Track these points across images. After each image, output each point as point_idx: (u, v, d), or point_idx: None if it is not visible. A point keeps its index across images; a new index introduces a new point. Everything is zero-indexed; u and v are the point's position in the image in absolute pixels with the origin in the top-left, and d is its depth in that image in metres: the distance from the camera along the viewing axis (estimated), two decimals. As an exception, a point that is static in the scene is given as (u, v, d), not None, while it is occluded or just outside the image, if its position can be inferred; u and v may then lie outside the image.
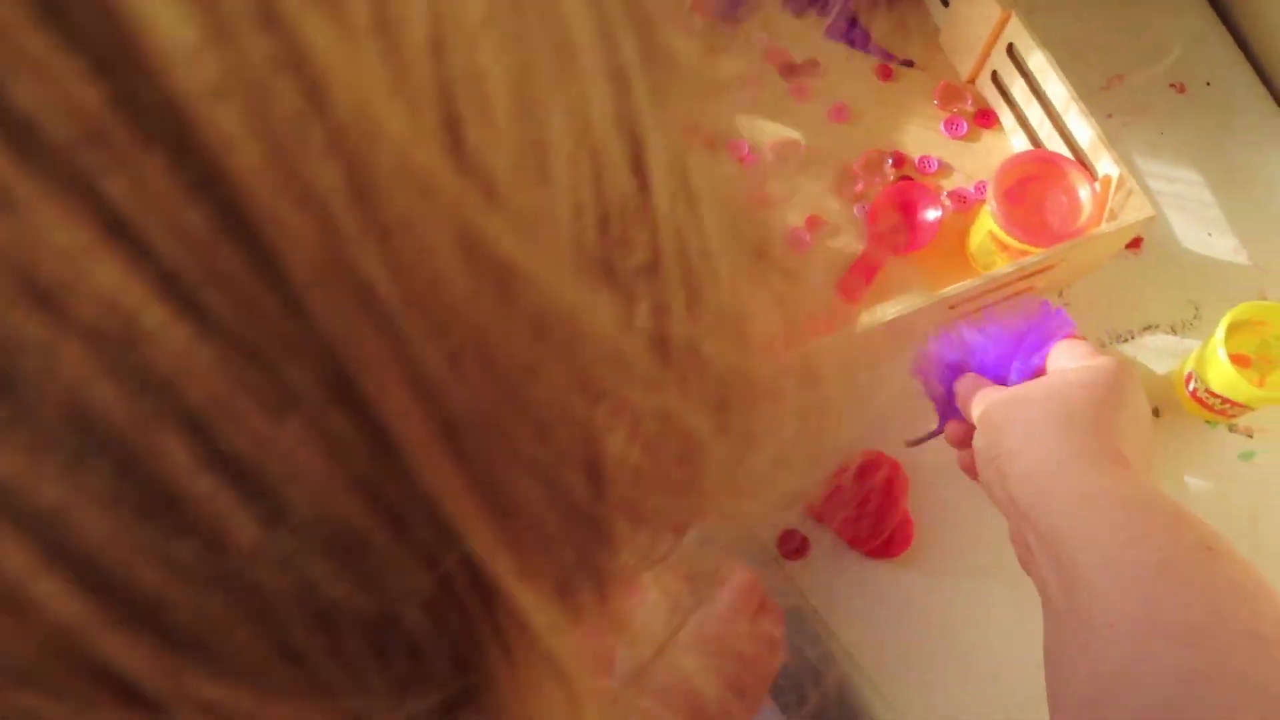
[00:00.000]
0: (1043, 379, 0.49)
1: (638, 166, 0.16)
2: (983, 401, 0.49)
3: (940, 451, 0.58)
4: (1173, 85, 0.75)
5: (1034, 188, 0.64)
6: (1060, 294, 0.69)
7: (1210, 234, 0.70)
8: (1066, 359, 0.49)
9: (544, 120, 0.15)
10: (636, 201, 0.16)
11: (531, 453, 0.15)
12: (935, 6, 0.75)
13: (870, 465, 0.63)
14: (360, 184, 0.13)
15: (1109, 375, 0.45)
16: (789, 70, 0.74)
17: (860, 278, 0.68)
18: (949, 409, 0.55)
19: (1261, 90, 0.75)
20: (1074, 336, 0.51)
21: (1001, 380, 0.52)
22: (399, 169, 0.13)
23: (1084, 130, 0.65)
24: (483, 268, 0.14)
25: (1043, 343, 0.51)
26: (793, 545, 0.62)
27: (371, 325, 0.13)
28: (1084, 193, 0.64)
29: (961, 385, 0.52)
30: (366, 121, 0.12)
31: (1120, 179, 0.63)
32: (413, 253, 0.13)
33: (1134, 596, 0.36)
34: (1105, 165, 0.64)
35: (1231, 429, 0.66)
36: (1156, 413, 0.66)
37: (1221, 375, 0.61)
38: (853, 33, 0.75)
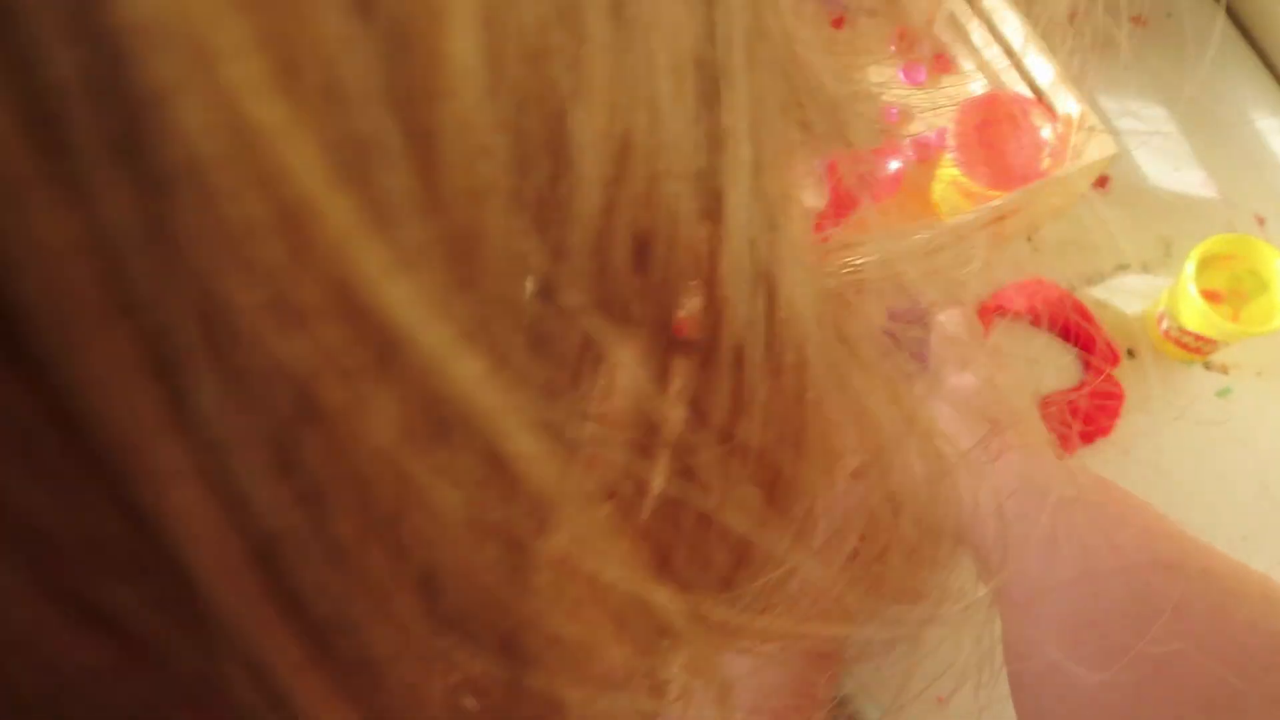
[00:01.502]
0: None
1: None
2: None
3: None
4: (1133, 19, 0.73)
5: (995, 131, 0.62)
6: (1029, 238, 0.67)
7: (1177, 169, 0.69)
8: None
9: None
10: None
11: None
12: (886, -51, 0.72)
13: None
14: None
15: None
16: (739, 23, 0.71)
17: (823, 233, 0.66)
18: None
19: (1223, 19, 0.73)
20: None
21: None
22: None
23: (1044, 69, 0.63)
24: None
25: None
26: None
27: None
28: (1045, 133, 0.62)
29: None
30: None
31: (1081, 116, 0.61)
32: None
33: (1024, 568, 0.38)
34: (1066, 104, 0.62)
35: (1207, 366, 0.64)
36: (1130, 354, 0.64)
37: (1194, 312, 0.60)
38: (803, -19, 0.72)
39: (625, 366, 0.14)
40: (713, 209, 0.14)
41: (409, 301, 0.10)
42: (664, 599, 0.14)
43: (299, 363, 0.10)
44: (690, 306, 0.14)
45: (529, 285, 0.13)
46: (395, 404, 0.11)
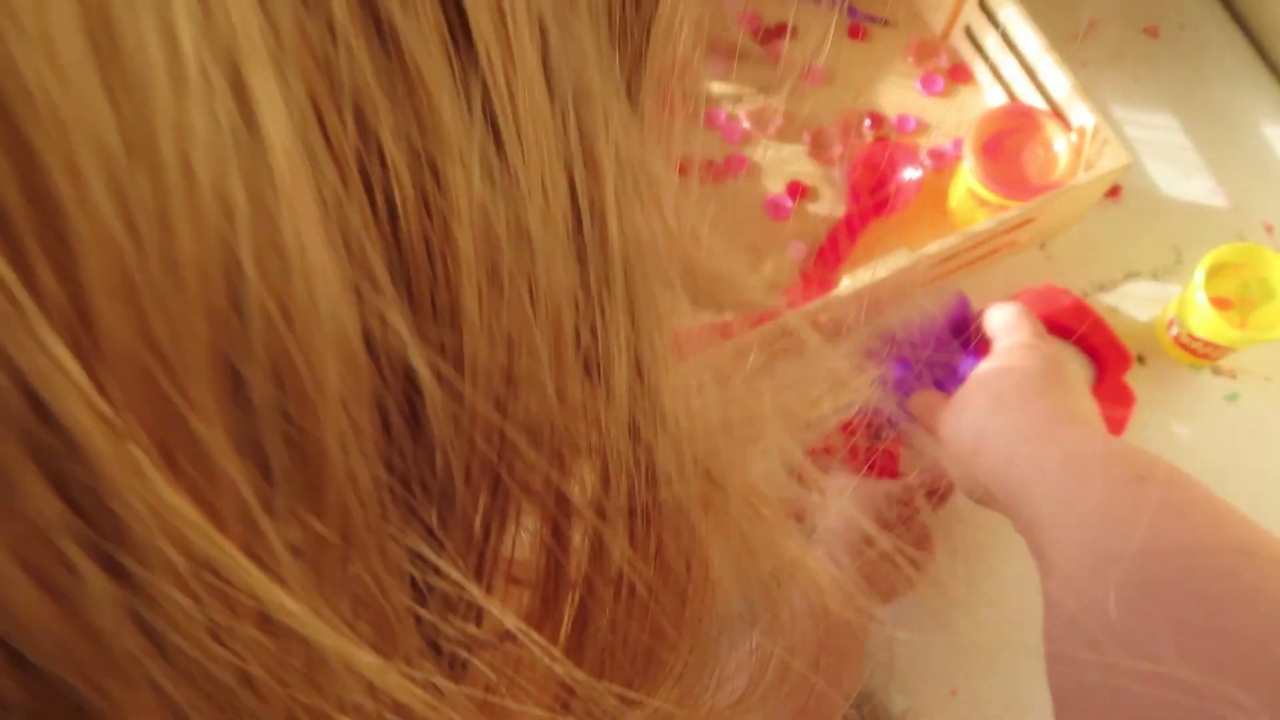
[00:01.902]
0: (987, 368, 0.52)
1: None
2: (942, 407, 0.53)
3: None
4: (1146, 30, 0.75)
5: (1010, 141, 0.64)
6: (1043, 246, 0.69)
7: (1189, 178, 0.71)
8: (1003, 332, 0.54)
9: None
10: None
11: None
12: (905, -38, 0.74)
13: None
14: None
15: (1044, 358, 0.51)
16: (762, 35, 0.73)
17: (843, 241, 0.68)
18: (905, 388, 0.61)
19: (1235, 30, 0.75)
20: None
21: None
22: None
23: (1059, 81, 0.64)
24: None
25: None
26: None
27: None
28: (1060, 144, 0.64)
29: (916, 401, 0.56)
30: None
31: (1096, 128, 0.63)
32: None
33: (1081, 539, 0.37)
34: (1080, 115, 0.64)
35: (1215, 372, 0.66)
36: (1141, 360, 0.66)
37: (1202, 319, 0.61)
38: (823, -7, 0.74)
39: (530, 531, 0.16)
40: (596, 386, 0.15)
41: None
42: None
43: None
44: (581, 473, 0.15)
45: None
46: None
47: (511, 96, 0.13)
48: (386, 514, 0.14)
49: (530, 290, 0.14)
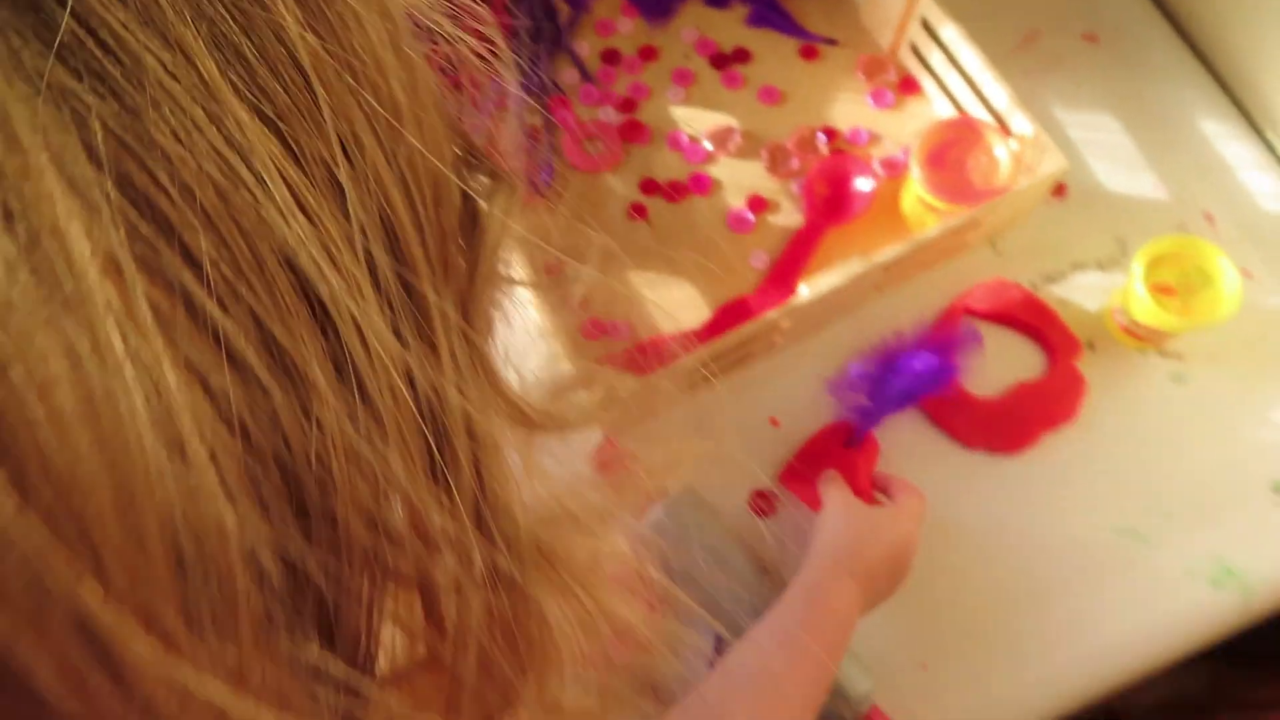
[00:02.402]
0: (851, 518, 0.59)
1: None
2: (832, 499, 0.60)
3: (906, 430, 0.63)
4: (1085, 36, 0.79)
5: (954, 151, 0.68)
6: (993, 244, 0.73)
7: (1131, 174, 0.75)
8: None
9: None
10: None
11: None
12: (852, -16, 0.78)
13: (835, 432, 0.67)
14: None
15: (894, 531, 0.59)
16: (718, 60, 0.78)
17: (802, 250, 0.72)
18: (866, 420, 0.64)
19: (1169, 31, 0.79)
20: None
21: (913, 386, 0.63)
22: None
23: (998, 93, 0.69)
24: None
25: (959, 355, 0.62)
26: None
27: None
28: (1001, 152, 0.68)
29: (825, 479, 0.63)
30: None
31: (1034, 136, 0.67)
32: None
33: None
34: (1020, 124, 0.68)
35: (1161, 355, 0.70)
36: (1090, 346, 0.70)
37: (1143, 307, 0.65)
38: (775, 18, 0.79)
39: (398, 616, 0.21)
40: (456, 508, 0.20)
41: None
42: None
43: None
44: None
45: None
46: None
47: (364, 344, 0.18)
48: (289, 636, 0.18)
49: (391, 464, 0.18)
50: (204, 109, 0.16)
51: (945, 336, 0.67)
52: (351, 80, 0.18)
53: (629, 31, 0.79)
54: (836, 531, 0.58)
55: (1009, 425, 0.68)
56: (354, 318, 0.17)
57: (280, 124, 0.17)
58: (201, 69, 0.16)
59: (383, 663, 0.21)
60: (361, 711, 0.19)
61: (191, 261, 0.15)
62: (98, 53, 0.15)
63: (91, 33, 0.15)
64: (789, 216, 0.73)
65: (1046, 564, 0.65)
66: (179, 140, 0.15)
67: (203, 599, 0.16)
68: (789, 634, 0.51)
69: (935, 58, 0.73)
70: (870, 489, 0.65)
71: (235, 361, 0.16)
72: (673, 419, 0.69)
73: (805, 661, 0.51)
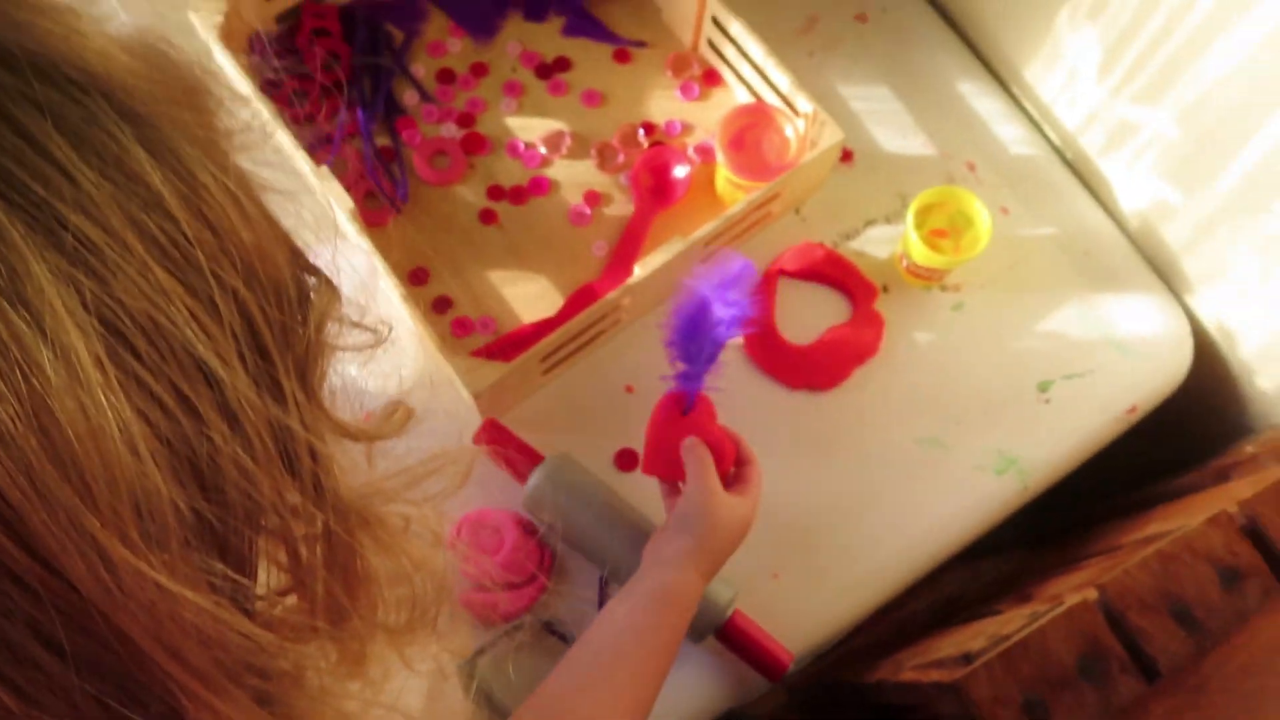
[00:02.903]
0: (710, 504, 0.65)
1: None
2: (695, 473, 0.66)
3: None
4: (857, 17, 0.91)
5: (751, 134, 0.79)
6: (797, 211, 0.84)
7: (905, 136, 0.87)
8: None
9: None
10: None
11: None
12: (652, -9, 0.88)
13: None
14: None
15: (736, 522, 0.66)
16: (542, 70, 0.86)
17: (636, 236, 0.82)
18: (692, 383, 0.67)
19: (925, 7, 0.91)
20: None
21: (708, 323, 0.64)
22: None
23: (782, 78, 0.79)
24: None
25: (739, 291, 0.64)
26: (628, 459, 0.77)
27: None
28: (789, 130, 0.79)
29: (686, 446, 0.67)
30: None
31: (814, 114, 0.78)
32: None
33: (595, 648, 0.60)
34: (803, 104, 0.79)
35: (943, 289, 0.83)
36: (885, 289, 0.82)
37: (918, 250, 0.78)
38: (589, 26, 0.87)
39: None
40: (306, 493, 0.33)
41: None
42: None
43: None
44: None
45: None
46: None
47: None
48: (201, 556, 0.29)
49: (258, 463, 0.30)
50: (140, 274, 0.27)
51: (725, 277, 0.65)
52: (215, 240, 0.29)
53: (459, 51, 0.87)
54: (695, 525, 0.64)
55: (824, 365, 0.80)
56: (230, 382, 0.29)
57: (180, 275, 0.28)
58: (131, 248, 0.27)
59: (263, 584, 0.33)
60: (248, 604, 0.31)
61: (138, 356, 0.27)
62: (81, 249, 0.26)
63: (74, 234, 0.26)
64: (621, 207, 0.83)
65: (867, 476, 0.78)
66: (132, 294, 0.26)
67: (151, 529, 0.27)
68: (641, 635, 0.60)
69: (729, 51, 0.84)
70: (723, 440, 0.68)
71: (162, 406, 0.27)
72: (546, 395, 0.79)
73: (655, 656, 0.60)
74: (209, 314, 0.28)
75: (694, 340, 0.64)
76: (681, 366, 0.66)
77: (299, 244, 0.34)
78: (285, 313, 0.31)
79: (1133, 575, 0.61)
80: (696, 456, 0.66)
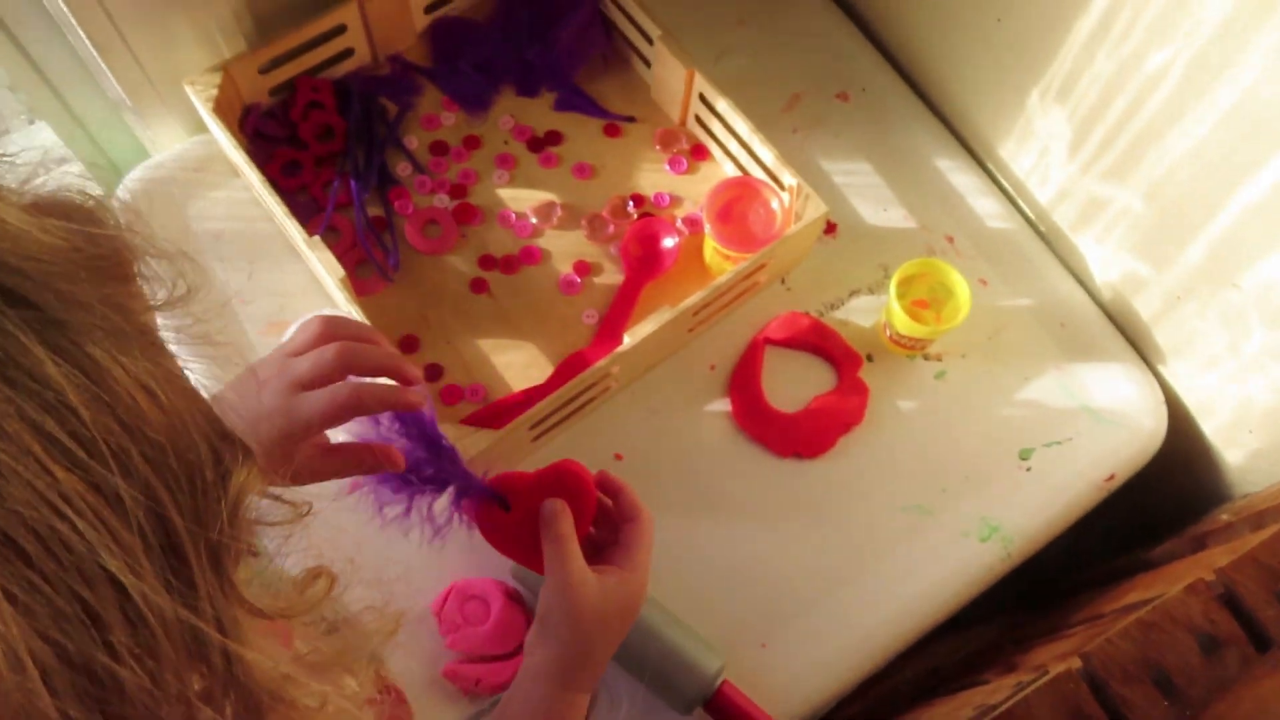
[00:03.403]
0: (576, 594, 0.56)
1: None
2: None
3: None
4: (838, 96, 0.94)
5: (739, 206, 0.81)
6: (783, 281, 0.86)
7: (885, 209, 0.90)
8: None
9: None
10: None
11: None
12: (641, 68, 0.91)
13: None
14: None
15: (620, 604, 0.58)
16: (534, 143, 0.89)
17: (625, 304, 0.83)
18: (469, 483, 0.60)
19: (905, 89, 0.95)
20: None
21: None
22: None
23: (767, 153, 0.82)
24: None
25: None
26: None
27: None
28: (775, 203, 0.81)
29: (544, 517, 0.59)
30: None
31: (798, 187, 0.80)
32: None
33: None
34: (788, 178, 0.81)
35: (926, 358, 0.85)
36: (870, 358, 0.84)
37: (900, 320, 0.80)
38: (580, 102, 0.90)
39: None
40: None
41: None
42: None
43: None
44: None
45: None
46: None
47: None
48: None
49: (163, 655, 0.29)
50: (37, 477, 0.26)
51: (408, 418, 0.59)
52: (124, 432, 0.28)
53: (452, 124, 0.89)
54: (557, 629, 0.56)
55: (811, 433, 0.81)
56: (136, 587, 0.27)
57: (83, 473, 0.27)
58: (29, 449, 0.26)
59: None
60: None
61: (33, 566, 0.26)
62: None
63: None
64: (611, 276, 0.85)
65: (853, 543, 0.78)
66: (29, 501, 0.26)
67: None
68: None
69: (715, 126, 0.86)
70: (587, 495, 0.61)
71: (58, 618, 0.26)
72: (535, 462, 0.79)
73: None
74: (115, 513, 0.27)
75: (422, 464, 0.58)
76: (438, 488, 0.59)
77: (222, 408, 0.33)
78: (199, 497, 0.30)
79: (1115, 644, 0.61)
80: (552, 533, 0.57)
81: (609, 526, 0.63)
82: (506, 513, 0.61)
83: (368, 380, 0.57)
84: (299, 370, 0.56)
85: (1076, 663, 0.61)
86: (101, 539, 0.27)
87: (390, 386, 0.57)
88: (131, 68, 0.81)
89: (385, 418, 0.57)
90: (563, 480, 0.61)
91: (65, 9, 0.73)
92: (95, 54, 0.78)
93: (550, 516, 0.58)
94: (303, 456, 0.56)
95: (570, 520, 0.58)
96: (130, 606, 0.27)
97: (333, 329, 0.58)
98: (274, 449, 0.54)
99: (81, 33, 0.76)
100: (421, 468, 0.58)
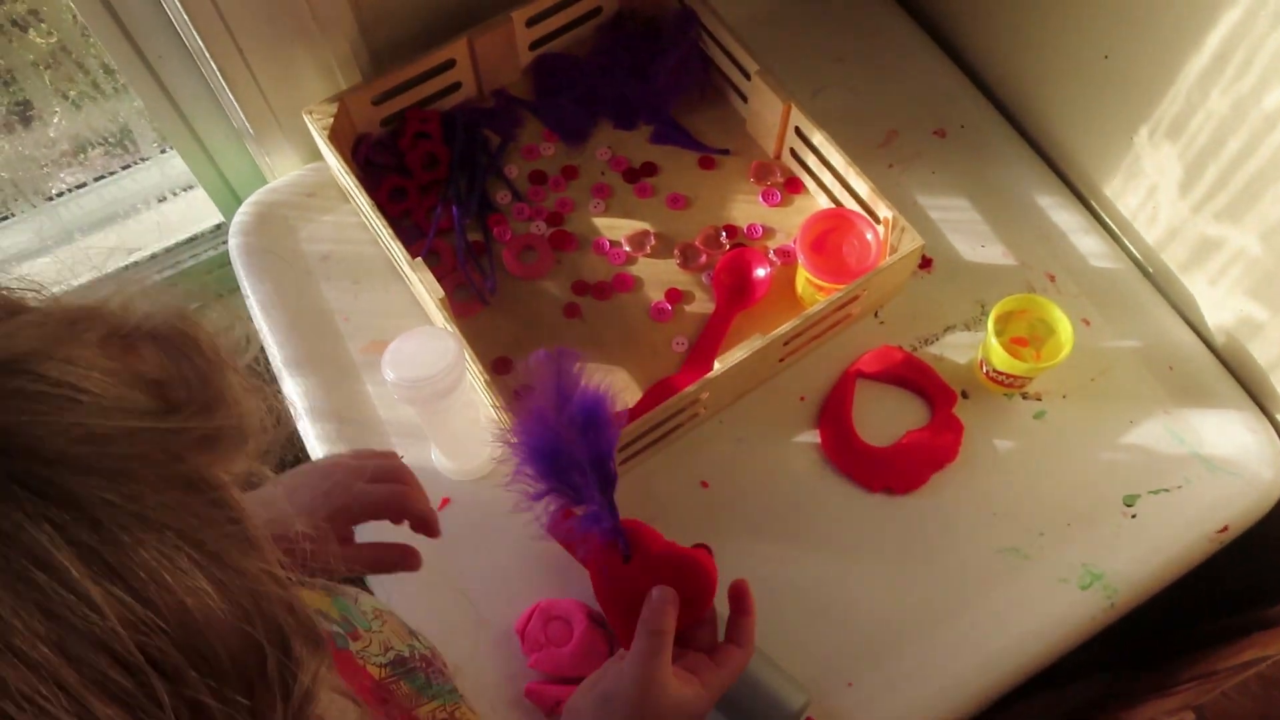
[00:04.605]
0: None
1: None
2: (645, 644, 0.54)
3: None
4: (935, 132, 0.93)
5: (833, 237, 0.81)
6: (876, 314, 0.85)
7: (983, 245, 0.88)
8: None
9: None
10: None
11: None
12: (738, 103, 0.92)
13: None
14: None
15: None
16: (630, 174, 0.90)
17: (717, 332, 0.83)
18: (604, 523, 0.59)
19: (1004, 124, 0.94)
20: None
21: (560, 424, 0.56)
22: None
23: (862, 186, 0.82)
24: None
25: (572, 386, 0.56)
26: None
27: None
28: (870, 235, 0.81)
29: (651, 604, 0.55)
30: None
31: (894, 220, 0.80)
32: None
33: None
34: (883, 210, 0.81)
35: (1024, 397, 0.82)
36: (965, 395, 0.82)
37: (998, 356, 0.78)
38: (676, 135, 0.92)
39: None
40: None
41: None
42: None
43: None
44: None
45: None
46: None
47: None
48: None
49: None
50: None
51: (582, 402, 0.57)
52: (184, 659, 0.25)
53: (551, 155, 0.91)
54: (618, 713, 0.53)
55: (902, 468, 0.79)
56: None
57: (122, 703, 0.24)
58: (65, 683, 0.23)
59: None
60: None
61: None
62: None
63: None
64: (702, 305, 0.85)
65: (945, 584, 0.76)
66: None
67: None
68: None
69: (810, 160, 0.87)
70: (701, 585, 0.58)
71: None
72: (621, 486, 0.79)
73: None
74: None
75: (564, 469, 0.56)
76: (576, 510, 0.56)
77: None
78: (258, 700, 0.27)
79: (1231, 699, 0.58)
80: (652, 626, 0.54)
81: (708, 630, 0.60)
82: (623, 564, 0.59)
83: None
84: (368, 466, 0.64)
85: (1190, 716, 0.57)
86: None
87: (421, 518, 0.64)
88: (256, 98, 0.86)
89: (578, 420, 0.56)
90: (691, 570, 0.58)
91: (200, 42, 0.78)
92: (224, 84, 0.83)
93: (658, 606, 0.55)
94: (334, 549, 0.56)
95: (674, 618, 0.55)
96: None
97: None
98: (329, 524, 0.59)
99: (213, 64, 0.81)
100: (575, 472, 0.57)
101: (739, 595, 0.59)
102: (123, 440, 0.26)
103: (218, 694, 0.26)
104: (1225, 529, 0.78)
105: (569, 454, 0.56)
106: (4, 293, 0.28)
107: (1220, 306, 0.83)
